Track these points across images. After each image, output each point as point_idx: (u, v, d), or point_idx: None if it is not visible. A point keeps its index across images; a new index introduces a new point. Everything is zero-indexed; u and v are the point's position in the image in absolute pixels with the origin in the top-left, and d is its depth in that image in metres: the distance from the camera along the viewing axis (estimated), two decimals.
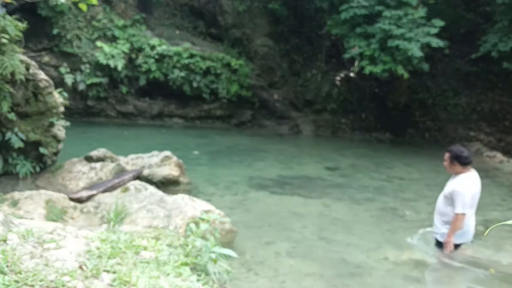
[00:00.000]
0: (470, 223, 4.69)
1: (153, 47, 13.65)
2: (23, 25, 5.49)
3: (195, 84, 13.85)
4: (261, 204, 6.69)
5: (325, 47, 15.12)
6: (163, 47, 13.62)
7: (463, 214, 4.50)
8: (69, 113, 10.93)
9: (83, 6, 5.12)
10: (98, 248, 2.90)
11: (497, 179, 9.14)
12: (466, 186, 4.55)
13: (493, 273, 4.54)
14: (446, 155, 4.74)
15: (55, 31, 12.97)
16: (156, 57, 13.58)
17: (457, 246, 4.70)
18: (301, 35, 15.22)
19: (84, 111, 13.86)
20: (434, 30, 11.20)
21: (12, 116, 5.71)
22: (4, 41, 5.19)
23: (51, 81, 6.18)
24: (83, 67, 13.33)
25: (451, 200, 4.60)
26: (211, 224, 4.39)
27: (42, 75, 6.04)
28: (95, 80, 13.30)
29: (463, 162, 4.62)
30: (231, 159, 9.83)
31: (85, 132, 11.68)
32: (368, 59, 11.74)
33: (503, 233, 5.66)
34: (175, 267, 2.98)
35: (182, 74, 13.67)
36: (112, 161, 6.73)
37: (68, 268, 2.53)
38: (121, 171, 6.61)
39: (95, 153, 6.73)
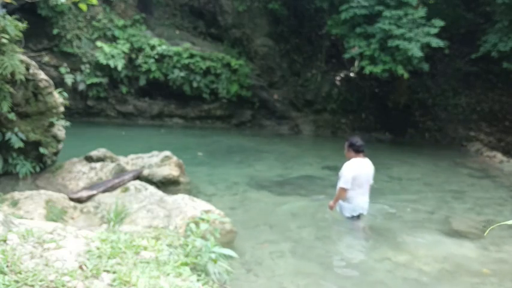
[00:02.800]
0: (357, 200, 5.67)
1: (153, 47, 13.65)
2: (23, 25, 5.48)
3: (195, 84, 13.85)
4: (261, 205, 6.69)
5: (325, 47, 15.12)
6: (163, 47, 13.63)
7: (344, 188, 5.56)
8: (69, 113, 10.94)
9: (83, 6, 5.12)
10: (98, 248, 2.90)
11: (497, 179, 9.14)
12: (349, 166, 5.58)
13: (487, 273, 4.55)
14: (345, 144, 5.82)
15: (55, 31, 12.97)
16: (156, 57, 13.59)
17: (349, 218, 5.75)
18: (301, 35, 15.22)
19: (84, 111, 13.86)
20: (434, 30, 11.20)
21: (12, 116, 5.70)
22: (4, 41, 5.18)
23: (51, 81, 6.18)
24: (83, 67, 13.33)
25: (339, 178, 5.68)
26: (211, 224, 4.39)
27: (42, 75, 6.03)
28: (95, 80, 13.30)
29: (355, 149, 5.67)
30: (231, 159, 9.83)
31: (85, 132, 11.68)
32: (368, 59, 11.74)
33: (503, 233, 5.65)
34: (175, 267, 2.98)
35: (182, 74, 13.67)
36: (112, 161, 6.72)
37: (68, 268, 2.53)
38: (121, 171, 6.60)
39: (95, 153, 6.72)
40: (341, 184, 5.58)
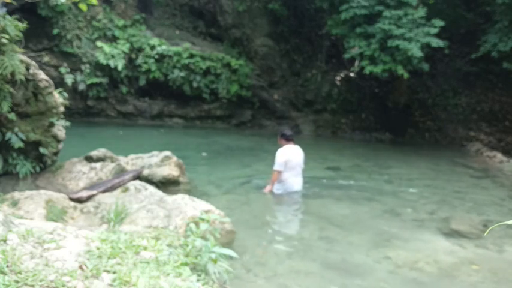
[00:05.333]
0: (290, 182, 6.75)
1: (153, 47, 13.66)
2: (23, 25, 5.48)
3: (195, 84, 13.86)
4: (261, 204, 6.68)
5: (325, 47, 15.13)
6: (163, 47, 13.63)
7: (277, 171, 6.65)
8: (69, 113, 10.95)
9: (83, 6, 5.12)
10: (98, 248, 2.90)
11: (497, 179, 9.14)
12: (281, 152, 6.70)
13: (477, 269, 4.56)
14: (278, 134, 7.02)
15: (55, 31, 12.97)
16: (156, 57, 13.59)
17: (279, 194, 6.77)
18: (301, 35, 15.22)
19: (84, 111, 13.86)
20: (434, 30, 11.20)
21: (12, 116, 5.70)
22: (4, 41, 5.18)
23: (51, 81, 6.17)
24: (83, 67, 13.33)
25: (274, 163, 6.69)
26: (211, 224, 4.39)
27: (42, 75, 6.03)
28: (95, 80, 13.31)
29: (285, 138, 6.84)
30: (231, 159, 9.83)
31: (85, 132, 11.68)
32: (368, 59, 11.74)
33: (503, 233, 5.65)
34: (175, 267, 2.98)
35: (182, 74, 13.67)
36: (112, 161, 6.72)
37: (68, 268, 2.53)
38: (121, 171, 6.60)
39: (95, 153, 6.72)
40: (275, 167, 6.66)
